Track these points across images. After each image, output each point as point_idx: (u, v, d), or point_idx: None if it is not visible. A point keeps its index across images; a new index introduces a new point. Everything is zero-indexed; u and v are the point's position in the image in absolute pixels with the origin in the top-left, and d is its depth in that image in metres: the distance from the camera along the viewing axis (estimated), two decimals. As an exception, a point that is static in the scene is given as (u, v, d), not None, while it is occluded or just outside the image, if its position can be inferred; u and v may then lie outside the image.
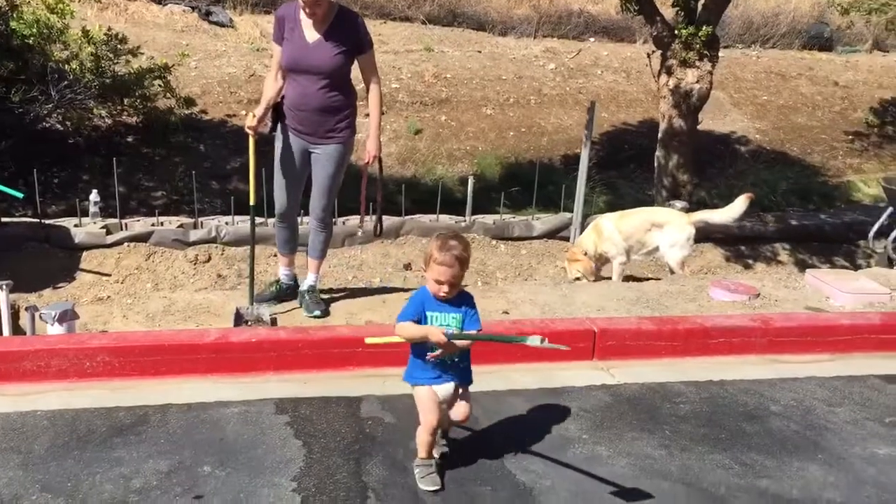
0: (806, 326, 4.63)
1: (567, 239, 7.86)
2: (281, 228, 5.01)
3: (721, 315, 4.83)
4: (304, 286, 5.01)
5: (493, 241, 7.74)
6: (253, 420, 3.53)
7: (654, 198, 8.68)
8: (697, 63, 8.14)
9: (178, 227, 6.99)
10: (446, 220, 7.78)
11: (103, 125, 9.14)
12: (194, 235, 6.98)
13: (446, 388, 3.07)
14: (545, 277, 7.29)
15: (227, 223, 7.12)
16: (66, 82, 7.88)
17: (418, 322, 2.99)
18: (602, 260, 6.77)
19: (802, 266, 8.15)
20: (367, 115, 4.84)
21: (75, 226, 6.79)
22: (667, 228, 6.61)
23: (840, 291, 5.27)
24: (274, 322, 4.71)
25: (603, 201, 9.31)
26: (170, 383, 3.85)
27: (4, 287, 4.39)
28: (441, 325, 2.98)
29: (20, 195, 5.65)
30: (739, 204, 6.61)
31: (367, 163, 4.83)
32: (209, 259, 6.86)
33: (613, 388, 4.01)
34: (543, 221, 8.00)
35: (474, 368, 3.18)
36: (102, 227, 6.79)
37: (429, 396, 3.06)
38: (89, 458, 3.18)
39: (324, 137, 4.69)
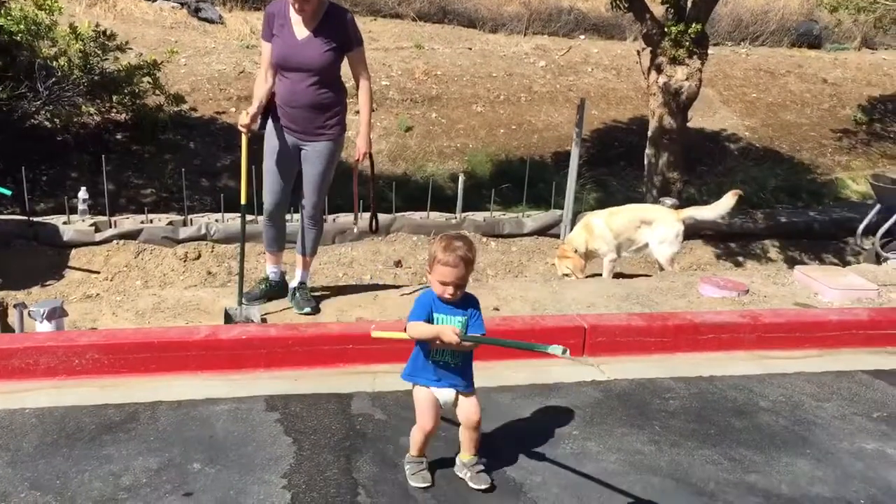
0: (794, 322, 4.66)
1: (557, 236, 7.87)
2: (268, 227, 4.99)
3: (710, 311, 4.85)
4: (294, 283, 5.01)
5: (484, 239, 7.75)
6: (243, 417, 3.53)
7: (644, 195, 8.70)
8: (687, 60, 8.15)
9: (168, 224, 6.97)
10: (437, 217, 7.79)
11: (92, 122, 9.09)
12: (184, 233, 6.96)
13: (447, 394, 3.00)
14: (535, 274, 7.30)
15: (216, 220, 7.10)
16: (54, 79, 7.83)
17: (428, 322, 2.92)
18: (591, 257, 6.79)
19: (791, 262, 8.20)
20: (357, 112, 4.84)
21: (64, 223, 6.76)
22: (656, 225, 6.64)
23: (828, 288, 5.30)
24: (264, 323, 4.70)
25: (593, 198, 9.34)
26: (159, 380, 3.84)
27: (-8, 285, 4.37)
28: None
29: (8, 192, 5.62)
30: (727, 200, 6.68)
31: (358, 160, 4.83)
32: (199, 256, 6.84)
33: (603, 385, 4.02)
34: (534, 219, 8.02)
35: (465, 365, 3.17)
36: (91, 225, 6.77)
37: (427, 398, 3.01)
38: (78, 456, 3.17)
39: (314, 135, 4.68)
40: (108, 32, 8.45)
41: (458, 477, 3.11)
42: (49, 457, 3.16)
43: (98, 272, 6.45)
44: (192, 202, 7.70)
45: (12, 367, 3.77)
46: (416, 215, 7.74)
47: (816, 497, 3.15)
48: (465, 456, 3.09)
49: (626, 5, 8.41)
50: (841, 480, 3.27)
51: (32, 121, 8.42)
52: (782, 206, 9.69)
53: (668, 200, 7.73)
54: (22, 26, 7.48)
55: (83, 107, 8.40)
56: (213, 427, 3.43)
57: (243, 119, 4.62)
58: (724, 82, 13.34)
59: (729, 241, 8.53)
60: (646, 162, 8.75)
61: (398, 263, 7.11)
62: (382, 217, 7.35)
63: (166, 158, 9.02)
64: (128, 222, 6.95)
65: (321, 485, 3.04)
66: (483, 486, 3.01)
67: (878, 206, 7.24)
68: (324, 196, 4.92)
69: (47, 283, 6.16)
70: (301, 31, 4.52)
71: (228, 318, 4.66)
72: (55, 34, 7.93)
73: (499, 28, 14.75)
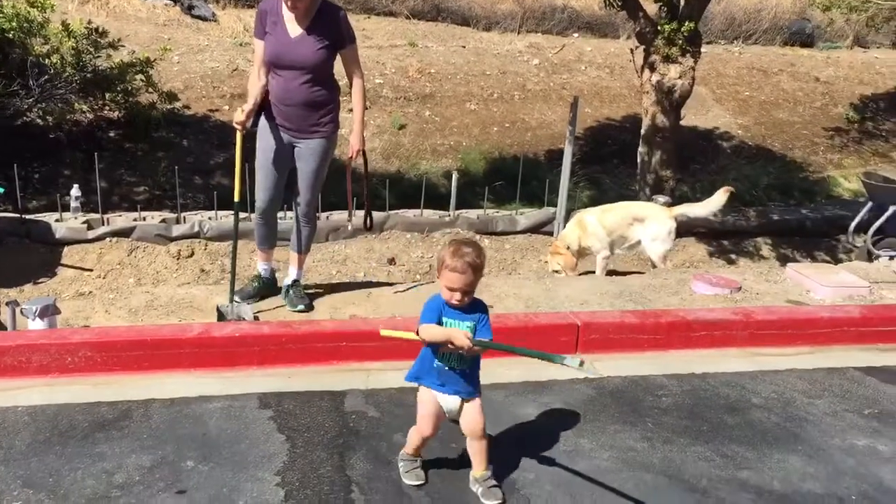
0: (786, 319, 4.68)
1: (551, 233, 7.88)
2: (260, 224, 4.97)
3: (703, 308, 4.86)
4: (288, 281, 5.00)
5: (478, 236, 7.75)
6: (236, 415, 3.53)
7: (638, 193, 8.71)
8: (680, 59, 8.17)
9: (161, 222, 6.96)
10: (430, 215, 7.79)
11: (84, 120, 9.07)
12: (177, 230, 6.94)
13: (451, 402, 2.98)
14: (529, 271, 7.31)
15: (210, 218, 7.09)
16: (46, 76, 7.81)
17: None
18: (584, 254, 6.81)
19: (784, 260, 8.23)
20: (351, 109, 4.84)
21: (56, 221, 6.74)
22: (648, 223, 6.66)
23: (820, 285, 5.32)
24: (257, 320, 4.70)
25: (587, 196, 9.35)
26: (152, 378, 3.83)
27: (-16, 282, 4.36)
28: None
29: (1, 190, 5.61)
30: (718, 197, 6.71)
31: (351, 157, 4.83)
32: (192, 254, 6.83)
33: (596, 382, 4.03)
34: (527, 216, 8.03)
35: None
36: (84, 223, 6.75)
37: (431, 404, 2.99)
38: (71, 454, 3.17)
39: (308, 132, 4.67)
40: (100, 30, 8.42)
41: (451, 475, 3.11)
42: (42, 455, 3.15)
43: (91, 270, 6.43)
44: (185, 200, 7.68)
45: (4, 364, 3.76)
46: (410, 213, 7.74)
47: (808, 493, 3.17)
48: (478, 472, 3.03)
49: (620, 3, 8.42)
50: (832, 476, 3.29)
51: (25, 118, 8.39)
52: (775, 204, 9.73)
53: (661, 198, 7.76)
54: (14, 23, 7.46)
55: (76, 104, 8.38)
56: (206, 424, 3.43)
57: (238, 116, 4.60)
58: (716, 80, 13.37)
59: (721, 239, 8.56)
60: (639, 160, 8.77)
61: (392, 261, 7.12)
62: (376, 215, 7.31)
63: (159, 156, 9.00)
64: (121, 220, 6.94)
65: (314, 482, 3.04)
66: (495, 503, 2.95)
67: (869, 204, 7.27)
68: (317, 193, 4.92)
69: (40, 280, 6.15)
70: (294, 28, 4.51)
71: (221, 316, 4.65)
72: (47, 31, 7.90)
73: (492, 26, 14.75)
